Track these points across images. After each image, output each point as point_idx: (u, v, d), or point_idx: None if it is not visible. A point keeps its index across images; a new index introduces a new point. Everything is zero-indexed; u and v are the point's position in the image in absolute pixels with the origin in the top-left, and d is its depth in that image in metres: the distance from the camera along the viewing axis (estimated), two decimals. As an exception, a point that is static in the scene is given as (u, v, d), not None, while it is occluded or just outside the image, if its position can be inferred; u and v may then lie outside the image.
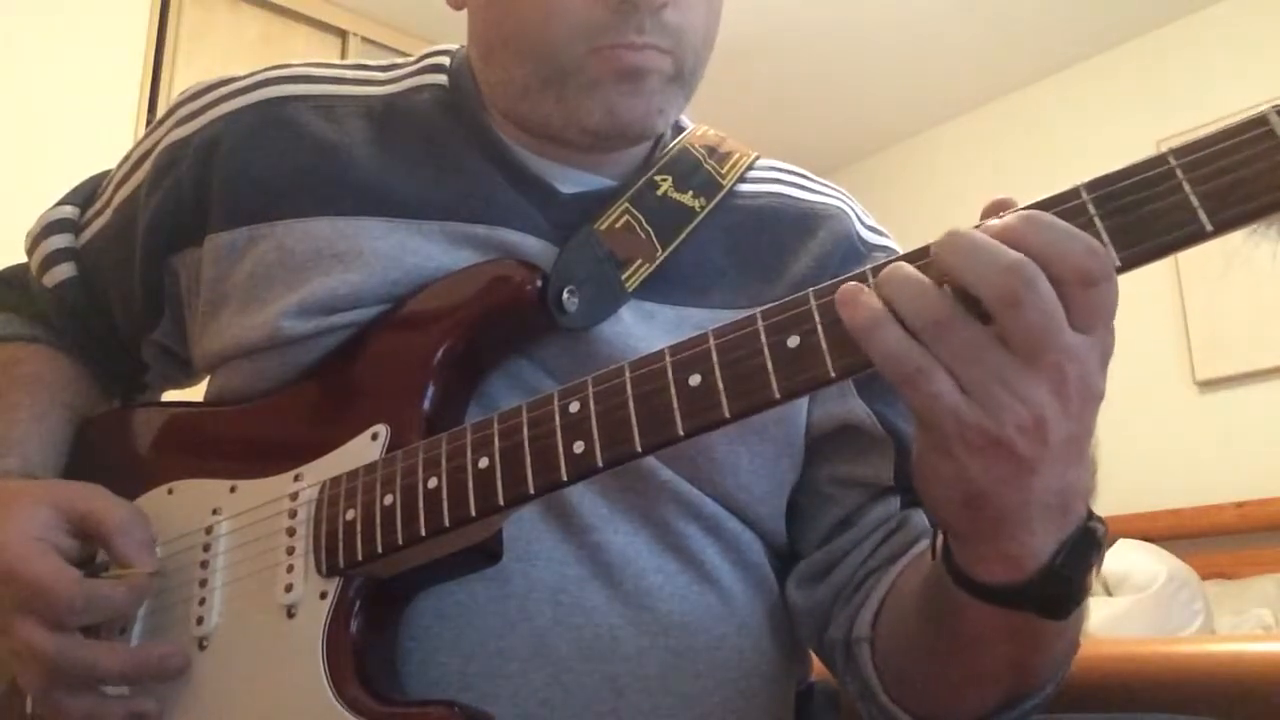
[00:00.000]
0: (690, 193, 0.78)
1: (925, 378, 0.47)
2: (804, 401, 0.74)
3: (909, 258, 0.50)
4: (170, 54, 2.82)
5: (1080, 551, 0.51)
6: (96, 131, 2.55)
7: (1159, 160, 0.47)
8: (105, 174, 0.88)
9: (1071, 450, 0.49)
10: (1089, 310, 0.47)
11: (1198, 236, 0.46)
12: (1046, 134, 3.54)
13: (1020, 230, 0.47)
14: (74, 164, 1.08)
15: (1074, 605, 0.53)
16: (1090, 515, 0.52)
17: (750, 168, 0.84)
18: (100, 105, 2.61)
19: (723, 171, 0.81)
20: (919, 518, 0.72)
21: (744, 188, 0.82)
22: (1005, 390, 0.46)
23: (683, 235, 0.76)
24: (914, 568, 0.66)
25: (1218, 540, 2.86)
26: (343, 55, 3.15)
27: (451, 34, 0.86)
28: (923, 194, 3.75)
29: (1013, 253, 0.46)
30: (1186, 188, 0.46)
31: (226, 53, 2.89)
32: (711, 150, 0.83)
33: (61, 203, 0.88)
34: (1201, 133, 0.47)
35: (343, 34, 3.19)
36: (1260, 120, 0.46)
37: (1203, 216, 0.46)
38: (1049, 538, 0.50)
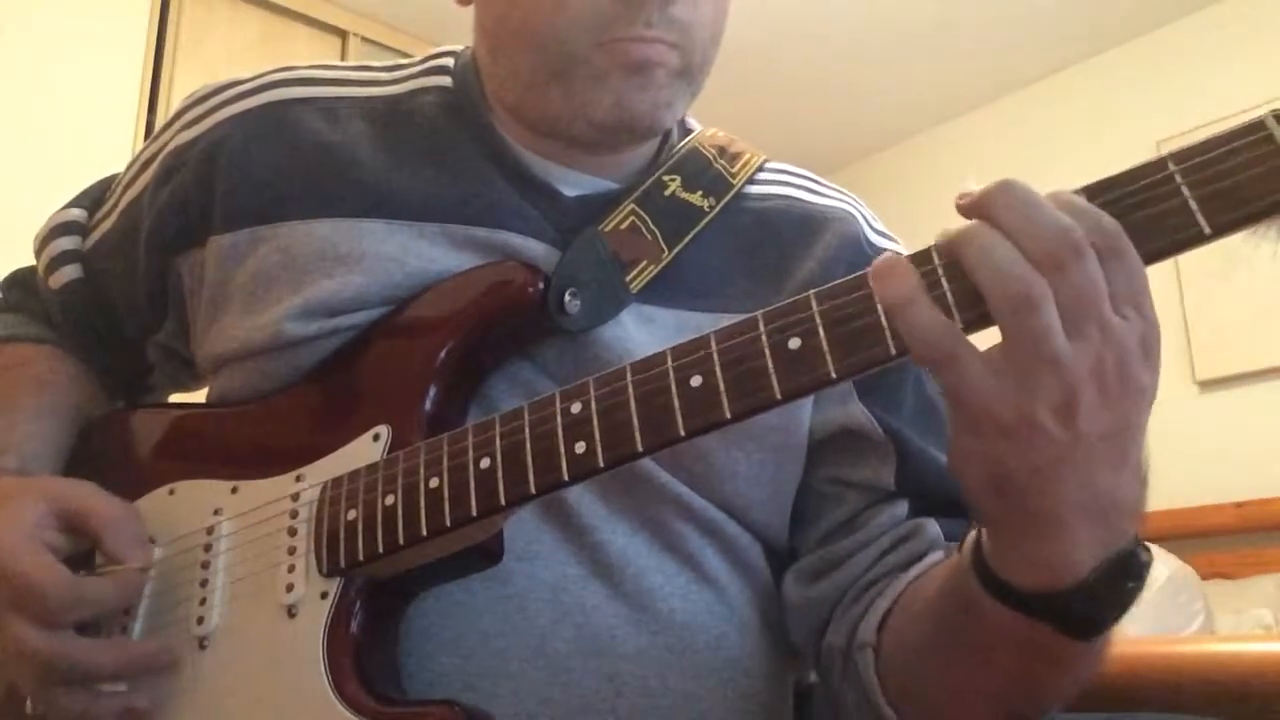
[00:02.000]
0: (699, 192, 0.78)
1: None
2: (805, 406, 0.74)
3: (913, 260, 0.50)
4: (170, 54, 2.82)
5: (1119, 573, 0.49)
6: (97, 131, 2.56)
7: (1158, 165, 0.47)
8: (114, 177, 0.89)
9: (1110, 447, 0.47)
10: (1121, 287, 0.46)
11: (1196, 240, 0.47)
12: (1046, 134, 3.54)
13: (1059, 201, 0.47)
14: (74, 164, 1.09)
15: (1101, 629, 0.52)
16: (1137, 540, 0.50)
17: (759, 170, 0.84)
18: (100, 105, 2.61)
19: (733, 171, 0.81)
20: (932, 527, 0.72)
21: (752, 190, 0.82)
22: (1047, 363, 0.45)
23: (691, 235, 0.76)
24: (934, 572, 0.66)
25: (1218, 540, 2.86)
26: (343, 55, 3.14)
27: (452, 34, 0.86)
28: (923, 194, 3.74)
29: (1066, 216, 0.46)
30: (1185, 192, 0.47)
31: (226, 53, 2.89)
32: (722, 150, 0.83)
33: (69, 205, 0.88)
34: (1201, 135, 0.47)
35: (343, 34, 3.19)
36: (1258, 125, 0.46)
37: (1201, 220, 0.46)
38: (1088, 551, 0.49)
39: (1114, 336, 0.46)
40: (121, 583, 0.67)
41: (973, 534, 0.55)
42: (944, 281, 0.49)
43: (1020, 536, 0.50)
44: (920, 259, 0.50)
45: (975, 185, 0.48)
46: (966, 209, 0.48)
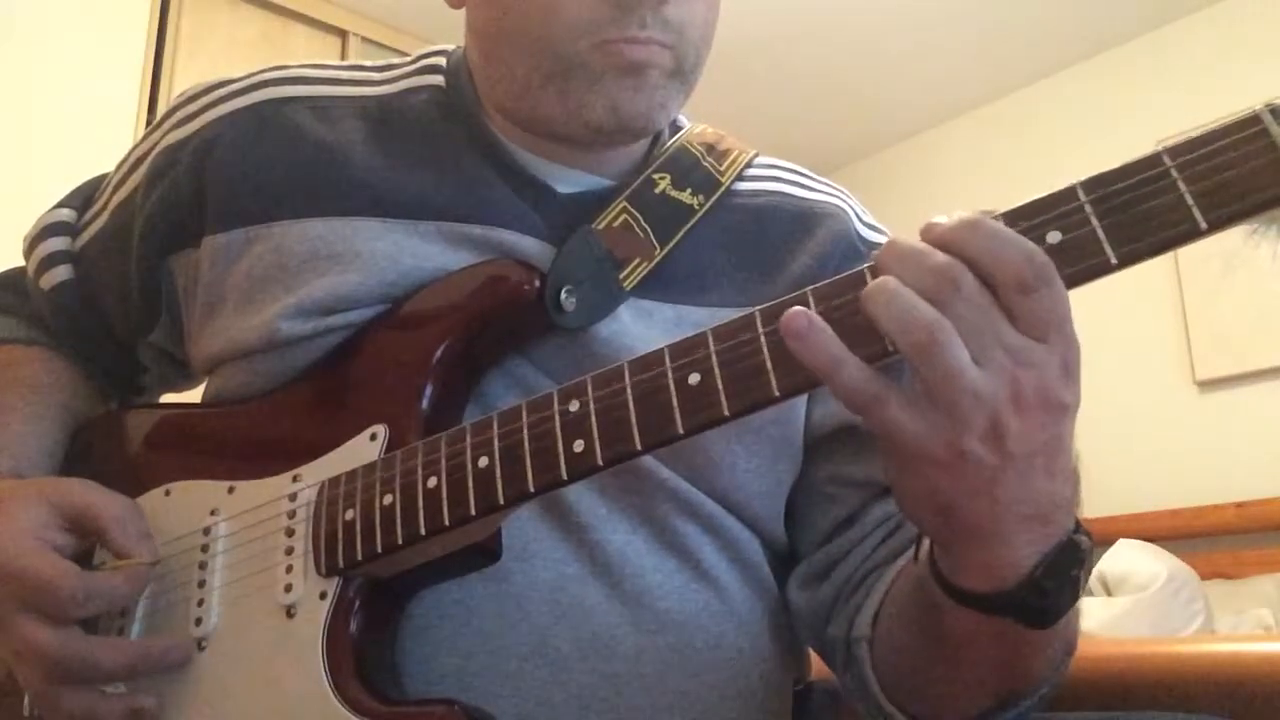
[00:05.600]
0: (689, 190, 0.78)
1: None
2: (802, 402, 0.75)
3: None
4: (170, 54, 2.82)
5: (1062, 564, 0.52)
6: (96, 131, 2.55)
7: (1154, 159, 0.48)
8: (103, 177, 0.88)
9: (1038, 462, 0.49)
10: (1033, 317, 0.47)
11: (1192, 234, 0.47)
12: (1046, 134, 3.54)
13: (957, 233, 0.48)
14: (74, 164, 1.08)
15: (1057, 616, 0.54)
16: (1076, 528, 0.52)
17: (749, 165, 0.84)
18: (100, 105, 2.61)
19: (721, 169, 0.81)
20: None
21: (742, 186, 0.82)
22: (966, 395, 0.47)
23: (681, 233, 0.76)
24: (908, 569, 0.67)
25: (1218, 540, 2.86)
26: (342, 55, 3.14)
27: (451, 34, 0.86)
28: (923, 194, 3.75)
29: (941, 256, 0.48)
30: (1181, 186, 0.47)
31: (226, 53, 2.89)
32: (710, 148, 0.83)
33: (59, 206, 0.88)
34: (1197, 132, 0.47)
35: (342, 34, 3.19)
36: (1254, 119, 0.46)
37: (1197, 214, 0.46)
38: (1028, 549, 0.51)
39: (1028, 359, 0.47)
40: (131, 577, 0.67)
41: (927, 542, 0.57)
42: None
43: (964, 549, 0.53)
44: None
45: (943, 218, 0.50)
46: (872, 271, 0.51)
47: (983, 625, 0.55)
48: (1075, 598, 0.54)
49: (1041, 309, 0.47)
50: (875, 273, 0.51)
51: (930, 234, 0.49)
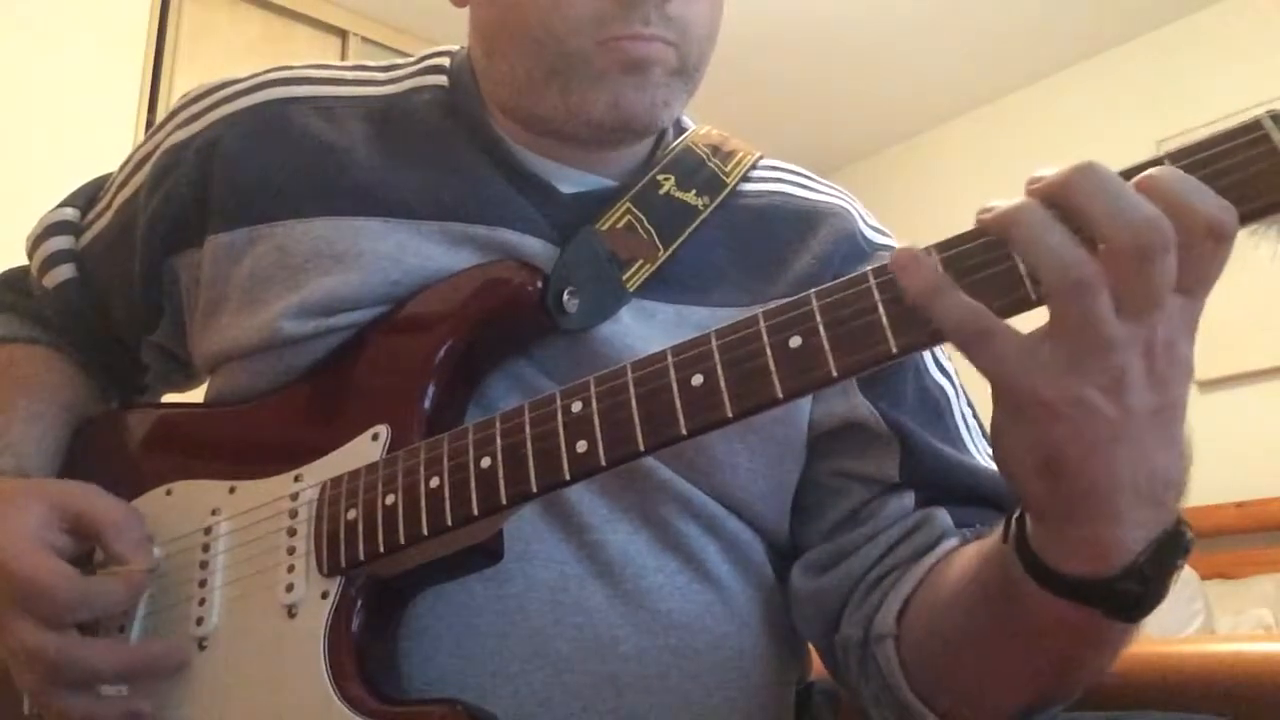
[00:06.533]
0: (694, 191, 0.78)
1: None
2: (806, 401, 0.74)
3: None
4: (170, 54, 2.82)
5: (1168, 552, 0.49)
6: (97, 131, 2.55)
7: (1155, 164, 0.47)
8: (107, 177, 0.88)
9: (1159, 424, 0.47)
10: (1202, 268, 0.45)
11: None
12: (1046, 134, 3.55)
13: (1158, 181, 0.45)
14: (74, 164, 1.08)
15: (1149, 609, 0.51)
16: (1180, 519, 0.50)
17: (754, 167, 0.84)
18: (101, 105, 2.61)
19: (727, 170, 0.81)
20: (942, 516, 0.71)
21: (747, 187, 0.82)
22: (1099, 343, 0.45)
23: (686, 234, 0.76)
24: (957, 557, 0.65)
25: (1218, 540, 2.86)
26: (343, 55, 3.15)
27: (452, 34, 0.86)
28: (923, 194, 3.75)
29: (1153, 206, 0.45)
30: None
31: (226, 53, 2.89)
32: (715, 149, 0.83)
33: (63, 205, 0.88)
34: (1200, 135, 0.47)
35: (343, 34, 3.19)
36: (1255, 125, 0.46)
37: None
38: (1139, 531, 0.48)
39: (1171, 318, 0.45)
40: (129, 582, 0.67)
41: (1013, 522, 0.54)
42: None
43: (1071, 521, 0.49)
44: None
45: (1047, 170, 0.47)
46: (1038, 191, 0.47)
47: (1062, 614, 0.52)
48: (1166, 591, 0.51)
49: (1216, 261, 0.45)
50: (878, 274, 0.50)
51: (1125, 179, 0.46)
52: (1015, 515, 0.54)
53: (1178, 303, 0.46)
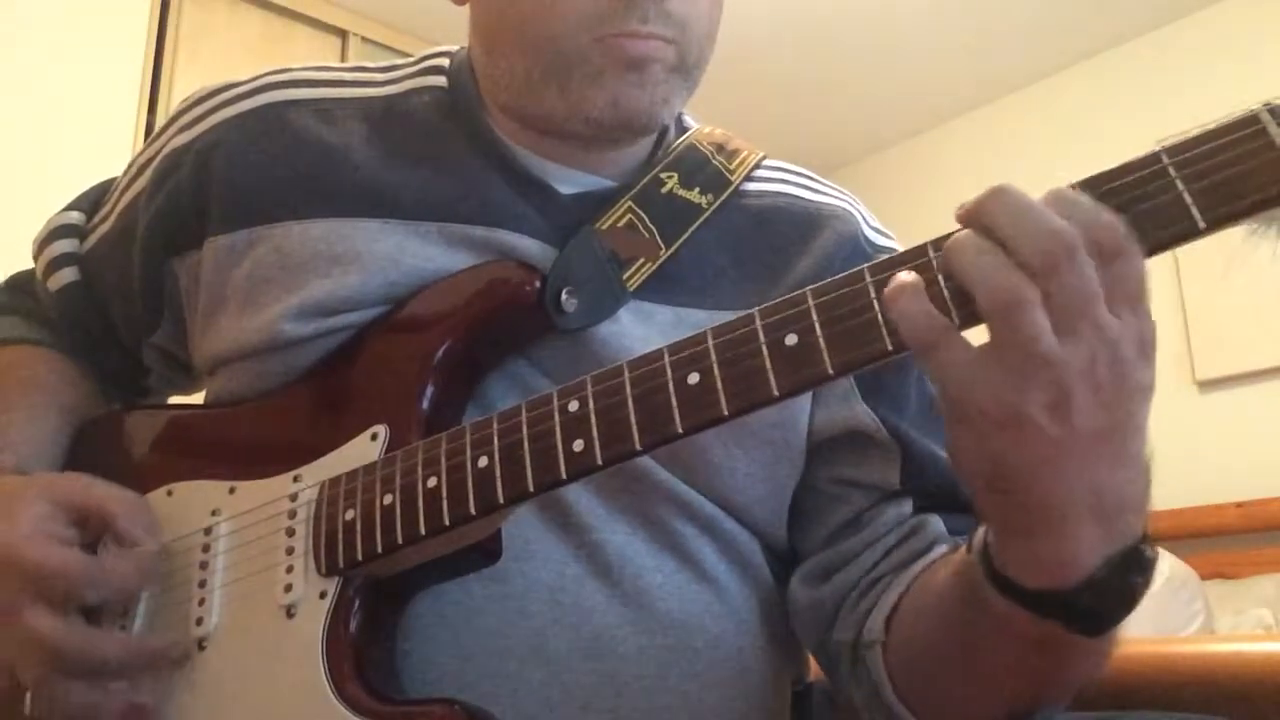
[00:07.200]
0: (697, 189, 0.78)
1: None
2: (805, 405, 0.74)
3: (910, 255, 0.50)
4: (170, 54, 2.82)
5: (1125, 570, 0.50)
6: (97, 132, 2.56)
7: (1153, 158, 0.48)
8: (112, 180, 0.89)
9: (1106, 445, 0.47)
10: (1117, 287, 0.46)
11: (1190, 234, 0.47)
12: (1046, 134, 3.54)
13: (1057, 204, 0.47)
14: (75, 164, 1.09)
15: (1110, 625, 0.52)
16: (1144, 538, 0.50)
17: (757, 167, 0.83)
18: (101, 105, 2.62)
19: (731, 168, 0.81)
20: (935, 523, 0.72)
21: (750, 187, 0.82)
22: (1036, 360, 0.46)
23: (689, 232, 0.76)
24: (940, 566, 0.66)
25: (1218, 540, 2.86)
26: (343, 55, 3.15)
27: (452, 34, 0.86)
28: (923, 194, 3.74)
29: (1059, 219, 0.46)
30: (1180, 185, 0.47)
31: (226, 53, 2.89)
32: (719, 147, 0.82)
33: (68, 208, 0.89)
34: (1196, 131, 0.47)
35: (343, 34, 3.19)
36: (1252, 119, 0.46)
37: (1195, 214, 0.46)
38: (1094, 546, 0.49)
39: (1108, 335, 0.46)
40: (140, 561, 0.67)
41: (981, 531, 0.55)
42: (940, 279, 0.49)
43: (1022, 534, 0.50)
44: (917, 253, 0.50)
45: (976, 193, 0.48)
46: (962, 219, 0.49)
47: (1023, 625, 0.52)
48: (1131, 608, 0.51)
49: (1124, 277, 0.46)
50: (875, 271, 0.50)
51: (1020, 200, 0.47)
52: (983, 528, 0.55)
53: (1116, 323, 0.46)
